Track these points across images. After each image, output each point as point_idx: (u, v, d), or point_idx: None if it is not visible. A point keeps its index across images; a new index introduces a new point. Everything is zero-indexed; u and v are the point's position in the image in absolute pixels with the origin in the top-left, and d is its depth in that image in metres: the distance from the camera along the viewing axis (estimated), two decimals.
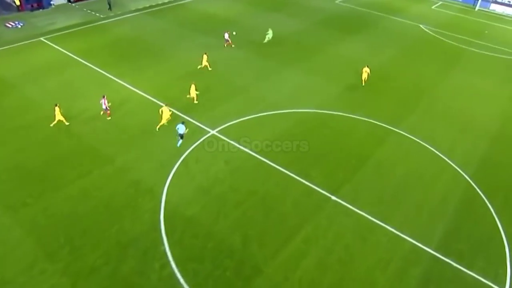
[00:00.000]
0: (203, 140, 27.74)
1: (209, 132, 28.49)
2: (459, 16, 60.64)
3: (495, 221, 22.85)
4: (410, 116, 31.94)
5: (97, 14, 49.99)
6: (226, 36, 41.82)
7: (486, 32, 54.03)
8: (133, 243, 20.21)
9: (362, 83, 35.88)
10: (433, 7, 64.04)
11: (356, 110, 31.94)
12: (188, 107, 31.05)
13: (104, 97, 28.84)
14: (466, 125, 31.50)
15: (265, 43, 43.78)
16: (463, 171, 26.41)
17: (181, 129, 26.35)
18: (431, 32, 51.60)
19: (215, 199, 23.05)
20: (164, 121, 28.26)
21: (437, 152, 27.93)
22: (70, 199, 22.56)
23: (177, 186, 23.81)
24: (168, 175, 24.64)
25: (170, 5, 54.92)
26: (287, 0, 59.62)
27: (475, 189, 25.09)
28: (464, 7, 65.67)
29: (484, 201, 24.18)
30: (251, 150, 27.11)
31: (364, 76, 35.50)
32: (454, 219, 22.79)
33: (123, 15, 50.27)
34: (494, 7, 65.33)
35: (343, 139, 28.75)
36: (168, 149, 26.81)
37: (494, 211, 23.49)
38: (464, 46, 47.83)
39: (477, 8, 64.92)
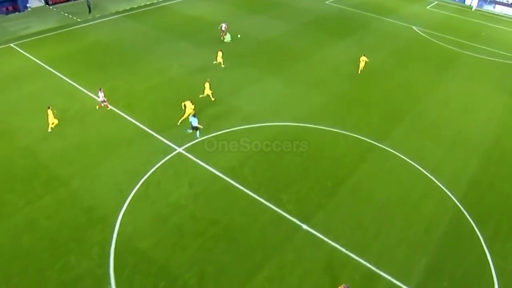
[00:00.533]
0: (169, 159, 25.23)
1: (175, 150, 26.08)
2: (454, 16, 57.95)
3: (485, 253, 20.49)
4: (397, 129, 29.45)
5: (75, 18, 47.56)
6: (224, 26, 41.89)
7: (483, 34, 51.43)
8: (77, 282, 17.88)
9: (358, 72, 37.06)
10: (427, 7, 61.36)
11: (338, 123, 29.50)
12: (153, 121, 28.80)
13: (100, 89, 29.05)
14: (456, 139, 29.15)
15: (227, 42, 42.57)
16: (451, 193, 24.02)
17: (194, 121, 26.40)
18: (424, 34, 48.97)
19: (173, 229, 20.73)
20: (186, 115, 27.74)
21: (424, 171, 25.47)
22: (15, 229, 20.22)
23: (133, 213, 21.49)
24: (126, 200, 22.35)
25: (152, 7, 52.43)
26: (275, 1, 56.66)
27: (464, 214, 22.68)
28: (460, 7, 63.00)
29: (473, 229, 21.81)
30: (219, 170, 24.79)
31: (362, 65, 36.44)
32: (438, 251, 20.39)
33: (102, 18, 47.83)
34: (491, 7, 62.38)
35: (321, 157, 26.35)
36: (130, 168, 24.56)
37: (484, 241, 21.09)
38: (458, 49, 45.19)
39: (473, 8, 62.05)
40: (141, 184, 23.48)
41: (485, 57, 43.80)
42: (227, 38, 42.88)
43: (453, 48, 45.61)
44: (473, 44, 47.43)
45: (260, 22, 48.27)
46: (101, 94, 28.80)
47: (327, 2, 58.75)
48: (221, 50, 36.69)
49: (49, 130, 27.46)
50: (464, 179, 25.26)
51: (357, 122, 29.82)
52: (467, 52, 44.74)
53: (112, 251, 19.47)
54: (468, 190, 24.38)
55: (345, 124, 29.46)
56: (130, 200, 22.38)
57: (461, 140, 28.82)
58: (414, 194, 23.71)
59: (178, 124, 28.21)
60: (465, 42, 47.91)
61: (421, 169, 25.72)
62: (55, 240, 19.88)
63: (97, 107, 29.62)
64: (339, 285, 16.77)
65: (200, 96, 31.62)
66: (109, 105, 29.90)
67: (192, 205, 22.30)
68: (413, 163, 26.18)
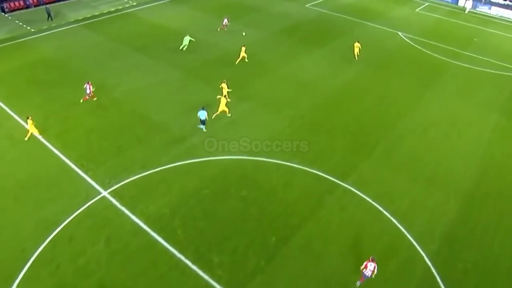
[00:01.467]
0: (90, 206, 21.24)
1: (99, 193, 22.05)
2: (445, 20, 53.57)
3: None
4: (364, 163, 25.36)
5: (29, 28, 43.56)
6: (225, 21, 42.30)
7: (475, 40, 47.02)
8: None
9: (355, 58, 38.24)
10: (417, 9, 56.94)
11: (297, 155, 25.51)
12: (83, 155, 25.15)
13: (89, 82, 29.24)
14: (434, 175, 25.15)
15: (183, 50, 38.93)
16: (422, 249, 20.06)
17: (203, 115, 26.18)
18: (410, 42, 44.63)
19: None
20: (220, 110, 27.81)
21: (392, 219, 21.48)
22: None
23: (29, 283, 17.42)
24: (26, 263, 18.42)
25: (115, 14, 48.35)
26: (250, 5, 52.43)
27: (435, 278, 18.42)
28: (452, 9, 58.61)
29: None
30: (144, 221, 20.98)
31: (356, 51, 37.68)
32: None
33: (57, 28, 43.87)
34: (486, 8, 57.85)
35: (269, 202, 22.36)
36: (42, 217, 20.74)
37: None
38: (447, 59, 40.89)
39: (467, 10, 57.54)
40: (49, 241, 19.47)
41: (476, 68, 39.49)
42: (186, 41, 38.74)
43: (441, 57, 41.29)
44: (464, 52, 43.08)
45: (230, 30, 43.95)
46: (89, 87, 29.06)
47: (307, 5, 54.46)
48: (244, 46, 36.51)
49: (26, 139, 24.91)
50: (439, 230, 21.24)
51: (319, 154, 25.69)
52: (456, 62, 40.42)
53: None
54: (442, 246, 20.36)
55: (304, 157, 25.36)
56: (31, 264, 18.41)
57: (439, 177, 24.66)
58: (377, 249, 19.68)
59: (212, 118, 28.09)
60: (455, 49, 43.59)
61: (389, 216, 21.64)
62: None
63: (81, 100, 29.68)
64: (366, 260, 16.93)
65: (218, 96, 29.39)
66: (95, 97, 29.95)
67: (104, 269, 18.34)
68: (380, 208, 22.08)
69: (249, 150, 25.83)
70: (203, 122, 26.62)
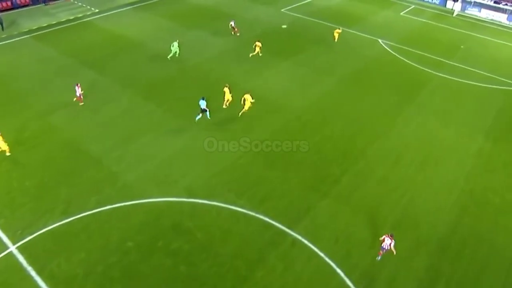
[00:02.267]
0: None
1: (7, 247, 18.86)
2: (432, 24, 50.08)
3: None
4: (322, 202, 22.24)
5: None
6: (233, 23, 41.40)
7: (462, 47, 43.58)
8: None
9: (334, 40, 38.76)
10: (402, 12, 53.41)
11: (243, 196, 22.33)
12: None
13: (78, 84, 28.34)
14: (402, 220, 21.73)
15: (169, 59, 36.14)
16: None
17: (203, 104, 26.61)
18: (391, 50, 41.14)
19: None
20: (246, 107, 27.72)
21: (347, 280, 17.87)
22: None
23: None
24: None
25: (73, 23, 44.90)
26: (222, 12, 48.86)
27: None
28: (440, 12, 55.06)
29: None
30: (50, 286, 17.46)
31: (335, 36, 38.46)
32: None
33: (6, 39, 40.77)
34: (476, 10, 54.30)
35: (201, 260, 18.90)
36: None
37: None
38: (430, 70, 37.45)
39: (455, 13, 54.02)
40: None
41: (461, 80, 36.06)
42: (175, 48, 35.87)
43: (423, 68, 37.83)
44: (449, 62, 39.63)
45: (197, 39, 40.74)
46: (78, 89, 28.30)
47: (283, 10, 50.82)
48: (259, 40, 37.00)
49: None
50: None
51: (269, 193, 22.31)
52: (439, 74, 36.98)
53: None
54: None
55: (252, 197, 21.99)
56: None
57: (409, 220, 21.37)
58: None
59: (239, 115, 27.96)
60: (439, 59, 40.12)
61: (343, 276, 18.13)
62: None
63: (74, 99, 28.96)
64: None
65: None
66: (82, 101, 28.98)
67: None
68: (333, 265, 18.67)
69: (189, 190, 22.40)
70: (203, 110, 26.93)
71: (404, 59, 39.45)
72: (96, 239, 19.51)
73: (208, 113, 27.36)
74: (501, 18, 52.76)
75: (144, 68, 34.88)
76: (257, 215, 20.93)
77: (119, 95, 30.95)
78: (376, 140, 27.12)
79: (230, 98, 28.59)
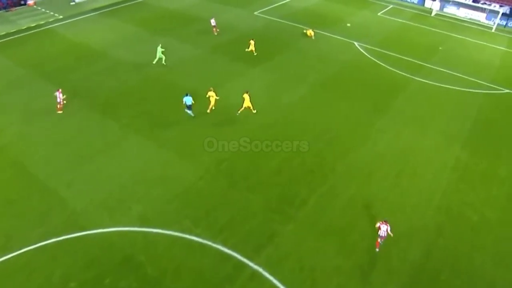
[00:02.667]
0: None
1: None
2: (410, 25, 48.86)
3: None
4: (287, 227, 20.73)
5: None
6: (213, 22, 41.02)
7: (440, 48, 42.38)
8: None
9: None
10: (379, 13, 52.13)
11: (200, 222, 20.69)
12: None
13: (59, 90, 27.66)
14: (374, 244, 19.71)
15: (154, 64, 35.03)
16: None
17: (189, 100, 26.65)
18: (367, 54, 39.72)
19: None
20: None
21: None
22: None
23: None
24: None
25: (34, 31, 42.85)
26: (192, 16, 47.04)
27: None
28: (419, 12, 53.90)
29: None
30: None
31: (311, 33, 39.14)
32: None
33: None
34: (455, 8, 53.24)
35: None
36: None
37: None
38: (407, 74, 36.11)
39: (434, 12, 52.91)
40: None
41: (439, 84, 34.79)
42: (159, 53, 34.62)
43: (401, 72, 36.48)
44: (427, 65, 38.35)
45: (163, 46, 38.14)
46: (59, 95, 27.69)
47: (256, 12, 49.09)
48: (252, 39, 37.01)
49: None
50: None
51: (230, 219, 20.81)
52: (416, 78, 35.64)
53: None
54: None
55: (210, 225, 20.38)
56: None
57: (381, 246, 19.51)
58: None
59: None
60: (417, 62, 38.85)
61: None
62: None
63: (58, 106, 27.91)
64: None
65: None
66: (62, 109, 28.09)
67: None
68: None
69: (143, 218, 20.87)
70: (189, 107, 26.98)
71: (381, 63, 38.09)
72: (35, 279, 17.73)
73: (190, 112, 27.42)
74: (480, 17, 51.85)
75: (105, 79, 33.00)
76: (215, 245, 19.30)
77: (75, 109, 29.05)
78: (347, 154, 25.61)
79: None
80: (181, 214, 20.91)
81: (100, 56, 36.59)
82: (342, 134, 27.48)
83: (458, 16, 53.16)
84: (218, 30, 42.06)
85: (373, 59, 38.93)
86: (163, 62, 34.80)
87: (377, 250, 19.28)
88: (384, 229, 18.41)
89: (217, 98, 28.37)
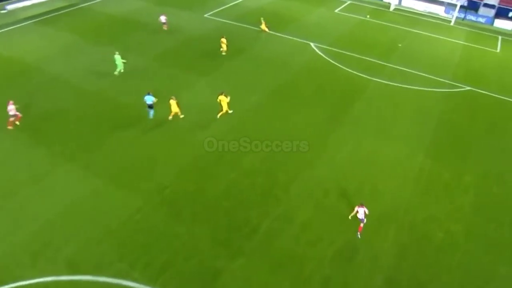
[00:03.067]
0: None
1: None
2: (368, 21, 47.89)
3: None
4: (236, 262, 19.10)
5: None
6: (163, 19, 39.80)
7: (400, 45, 41.44)
8: None
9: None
10: (336, 10, 51.00)
11: (138, 264, 18.79)
12: None
13: (10, 103, 25.50)
14: (333, 278, 18.70)
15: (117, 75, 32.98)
16: None
17: (149, 99, 25.96)
18: (323, 55, 38.36)
19: None
20: (224, 110, 26.82)
21: None
22: None
23: None
24: None
25: None
26: (136, 21, 44.42)
27: None
28: (377, 7, 53.13)
29: None
30: None
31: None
32: None
33: None
34: (412, 3, 52.65)
35: None
36: None
37: None
38: (365, 75, 34.94)
39: (392, 7, 52.18)
40: None
41: (400, 85, 33.77)
42: (118, 62, 32.63)
43: (359, 73, 35.25)
44: (386, 64, 37.29)
45: (102, 57, 35.72)
46: (11, 107, 25.45)
47: (206, 15, 46.92)
48: (224, 37, 35.87)
49: None
50: None
51: (170, 258, 19.04)
52: (376, 79, 34.49)
53: None
54: None
55: (149, 266, 18.71)
56: None
57: (336, 281, 18.11)
58: None
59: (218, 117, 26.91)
60: (376, 61, 37.72)
61: None
62: None
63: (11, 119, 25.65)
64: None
65: (170, 118, 27.32)
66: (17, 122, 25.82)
67: None
68: None
69: (72, 263, 18.58)
70: (150, 106, 26.50)
71: (338, 64, 36.78)
72: None
73: (152, 111, 26.94)
74: (439, 10, 51.52)
75: (38, 99, 30.25)
76: None
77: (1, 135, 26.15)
78: (302, 171, 24.00)
79: (177, 110, 27.24)
80: (116, 255, 18.76)
81: (33, 72, 33.72)
82: (296, 149, 25.69)
83: (417, 10, 52.62)
84: (167, 27, 41.27)
85: (330, 60, 37.55)
86: (116, 72, 32.40)
87: (359, 236, 19.70)
88: (362, 211, 18.97)
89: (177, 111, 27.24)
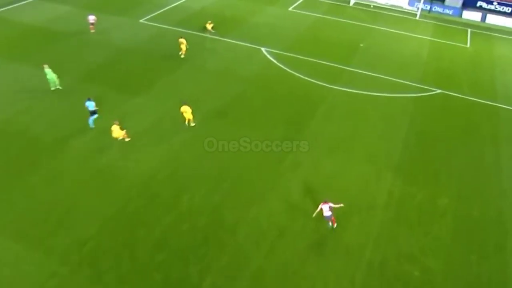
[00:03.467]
0: None
1: None
2: (327, 19, 46.83)
3: None
4: None
5: None
6: (91, 19, 39.32)
7: (362, 45, 40.40)
8: None
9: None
10: (290, 8, 49.60)
11: None
12: None
13: None
14: None
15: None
16: None
17: (91, 105, 26.06)
18: (276, 61, 36.71)
19: None
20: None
21: None
22: None
23: None
24: None
25: None
26: (62, 31, 41.30)
27: None
28: (336, 3, 52.35)
29: None
30: None
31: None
32: None
33: None
34: None
35: None
36: None
37: None
38: (324, 83, 33.57)
39: (352, 2, 51.24)
40: None
41: (362, 92, 32.63)
42: (50, 77, 30.45)
43: (317, 81, 33.83)
44: (347, 68, 36.03)
45: (13, 79, 33.00)
46: None
47: (142, 20, 44.42)
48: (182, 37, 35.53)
49: None
50: None
51: None
52: (336, 87, 33.14)
53: None
54: None
55: None
56: None
57: None
58: None
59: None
60: (336, 65, 36.42)
61: None
62: None
63: None
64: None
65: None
66: None
67: None
68: None
69: None
70: (93, 112, 26.28)
71: (293, 72, 35.20)
72: None
73: (94, 117, 26.54)
74: (402, 2, 50.86)
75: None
76: None
77: None
78: (251, 207, 22.07)
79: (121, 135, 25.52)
80: None
81: None
82: (245, 180, 23.78)
83: (378, 3, 51.83)
84: (94, 29, 40.38)
85: (284, 68, 35.88)
86: (52, 88, 30.62)
87: (333, 226, 20.74)
88: (326, 208, 19.37)
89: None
